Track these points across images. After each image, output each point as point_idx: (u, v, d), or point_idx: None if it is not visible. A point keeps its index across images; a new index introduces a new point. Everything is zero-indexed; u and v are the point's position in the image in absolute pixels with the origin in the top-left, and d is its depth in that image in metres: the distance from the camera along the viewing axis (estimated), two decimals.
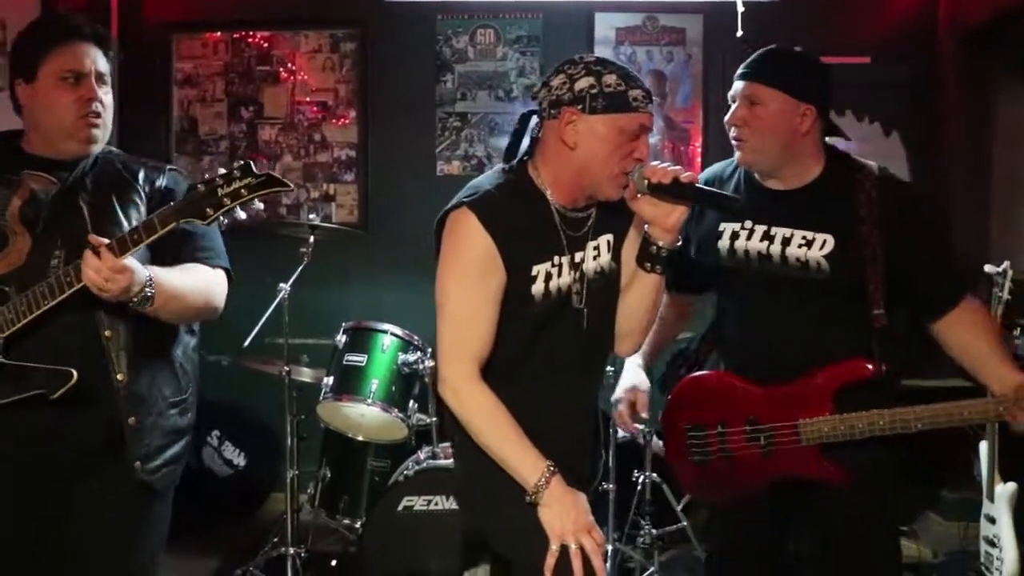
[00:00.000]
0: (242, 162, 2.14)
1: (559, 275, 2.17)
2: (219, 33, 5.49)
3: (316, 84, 5.49)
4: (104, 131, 2.36)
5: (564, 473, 2.10)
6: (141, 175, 2.41)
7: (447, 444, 3.94)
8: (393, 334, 4.12)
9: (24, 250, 2.26)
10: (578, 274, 2.20)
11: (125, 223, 2.29)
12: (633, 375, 2.72)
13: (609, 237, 2.27)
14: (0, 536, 2.30)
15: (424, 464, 3.88)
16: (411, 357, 4.05)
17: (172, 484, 2.47)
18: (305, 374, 4.33)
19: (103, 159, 2.40)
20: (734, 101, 2.46)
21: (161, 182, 2.44)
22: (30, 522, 2.30)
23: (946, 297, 2.42)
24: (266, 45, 5.49)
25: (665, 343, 2.80)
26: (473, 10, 5.39)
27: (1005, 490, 3.48)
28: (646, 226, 2.14)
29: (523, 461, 2.08)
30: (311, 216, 4.60)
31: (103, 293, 2.11)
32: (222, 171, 2.14)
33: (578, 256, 2.20)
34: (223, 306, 2.49)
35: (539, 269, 2.15)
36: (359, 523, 4.13)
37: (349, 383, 4.03)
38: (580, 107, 2.07)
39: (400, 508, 3.75)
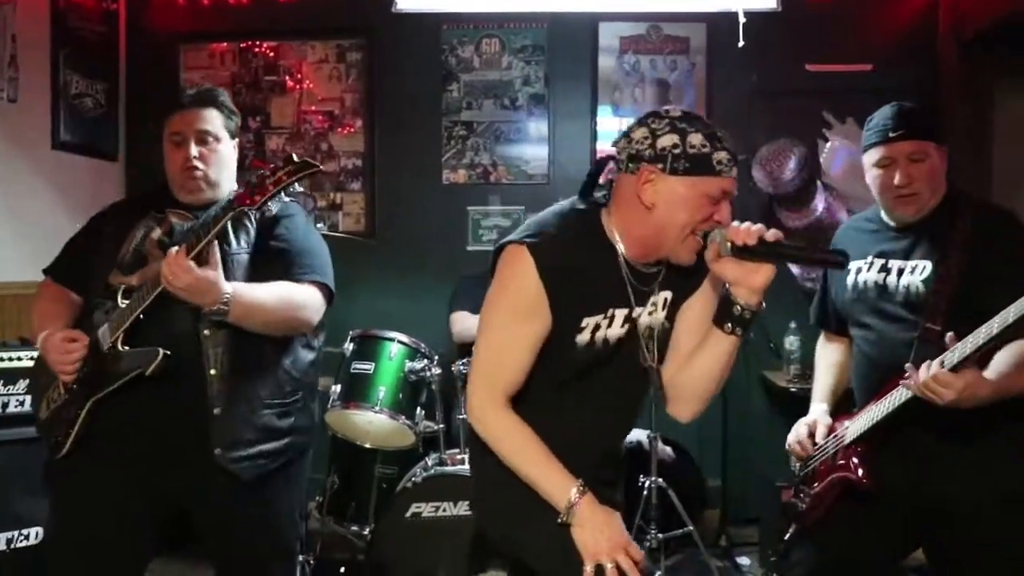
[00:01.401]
0: (290, 155, 2.39)
1: (609, 326, 2.09)
2: (226, 44, 5.49)
3: (323, 94, 5.49)
4: (209, 181, 2.66)
5: None
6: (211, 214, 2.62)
7: (455, 451, 3.96)
8: (400, 342, 4.09)
9: (157, 270, 2.47)
10: (629, 327, 2.10)
11: (235, 243, 2.58)
12: (817, 410, 2.77)
13: (668, 295, 2.15)
14: (116, 508, 2.53)
15: (432, 471, 3.85)
16: (418, 365, 4.02)
17: (275, 478, 2.65)
18: None
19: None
20: (883, 164, 2.53)
21: (272, 211, 2.67)
22: (139, 496, 2.56)
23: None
24: (273, 55, 5.49)
25: (843, 386, 2.82)
26: (478, 20, 5.37)
27: None
28: (728, 286, 2.03)
29: (553, 481, 2.02)
30: (318, 225, 4.56)
31: (172, 288, 2.36)
32: (272, 166, 2.39)
33: (637, 311, 2.10)
34: (317, 319, 2.71)
35: (589, 321, 2.07)
36: (367, 530, 4.11)
37: (356, 391, 4.00)
38: (661, 166, 1.96)
39: (408, 514, 3.73)
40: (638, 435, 4.59)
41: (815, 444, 2.67)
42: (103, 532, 2.52)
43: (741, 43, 4.37)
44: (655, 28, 5.34)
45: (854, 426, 2.56)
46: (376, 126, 5.46)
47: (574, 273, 2.03)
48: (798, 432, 2.72)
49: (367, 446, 4.18)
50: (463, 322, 4.55)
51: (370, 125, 5.45)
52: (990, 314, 2.15)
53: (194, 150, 2.62)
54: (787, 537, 2.77)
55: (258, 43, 5.47)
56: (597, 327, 2.07)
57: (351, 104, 5.47)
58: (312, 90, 5.48)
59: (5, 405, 3.50)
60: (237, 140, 2.76)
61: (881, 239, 2.61)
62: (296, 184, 2.38)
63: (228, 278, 2.46)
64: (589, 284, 2.05)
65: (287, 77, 5.47)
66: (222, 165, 2.69)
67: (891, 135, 2.50)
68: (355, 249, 4.89)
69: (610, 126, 5.40)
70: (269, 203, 2.41)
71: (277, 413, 2.64)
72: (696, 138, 1.95)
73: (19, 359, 3.51)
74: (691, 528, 4.45)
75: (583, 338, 2.06)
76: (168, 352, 2.46)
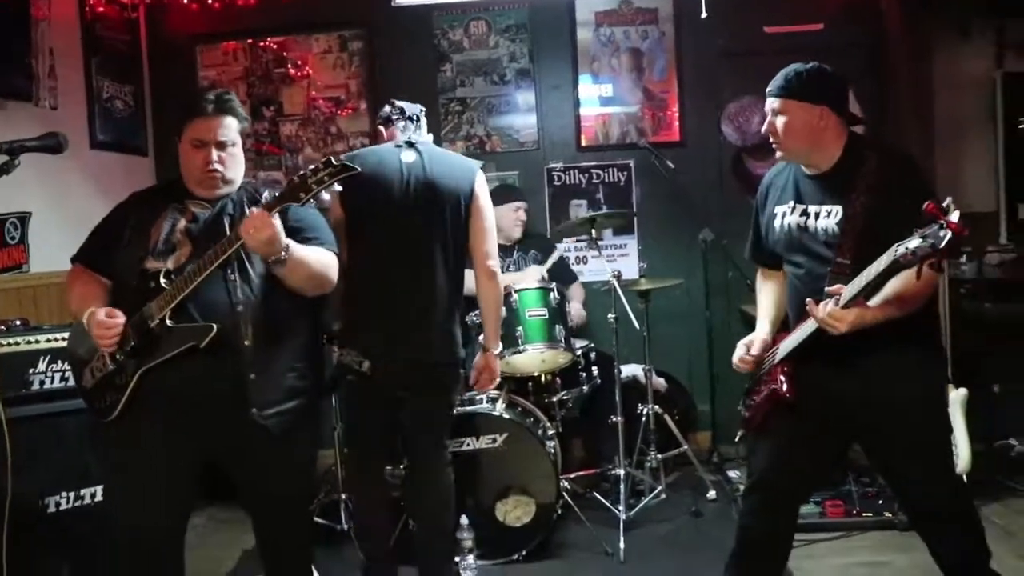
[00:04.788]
0: (327, 155, 2.62)
1: None
2: (237, 41, 5.74)
3: (328, 81, 5.76)
4: (226, 180, 2.86)
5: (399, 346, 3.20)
6: (264, 197, 2.79)
7: (473, 393, 4.09)
8: None
9: (186, 254, 2.76)
10: None
11: None
12: (760, 329, 2.97)
13: None
14: (164, 463, 2.74)
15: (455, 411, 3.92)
16: None
17: (296, 430, 2.85)
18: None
19: (243, 190, 2.91)
20: (768, 115, 2.76)
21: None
22: (183, 452, 2.77)
23: None
24: (281, 49, 5.74)
25: (783, 310, 3.00)
26: (466, 5, 5.62)
27: (958, 395, 3.66)
28: None
29: None
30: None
31: (252, 239, 2.58)
32: (312, 166, 2.58)
33: None
34: (336, 280, 2.95)
35: None
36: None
37: None
38: None
39: None
40: (634, 369, 4.90)
41: (753, 357, 2.91)
42: (153, 486, 2.72)
43: (704, 15, 4.58)
44: (626, 2, 5.60)
45: (782, 346, 2.80)
46: (380, 107, 5.53)
47: None
48: (738, 352, 2.95)
49: None
50: (468, 279, 4.68)
51: (373, 107, 5.61)
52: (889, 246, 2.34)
53: (215, 155, 2.79)
54: (736, 439, 3.06)
55: (267, 39, 5.73)
56: None
57: (355, 89, 5.72)
58: (318, 79, 5.76)
59: (65, 380, 3.61)
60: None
61: (799, 185, 2.80)
62: (336, 184, 2.58)
63: (251, 263, 2.75)
64: None
65: (295, 69, 5.75)
66: (237, 165, 2.88)
67: (768, 91, 2.75)
68: None
69: (591, 92, 5.70)
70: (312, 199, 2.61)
71: (298, 376, 2.86)
72: None
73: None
74: (686, 448, 4.78)
75: None
76: (220, 326, 2.64)
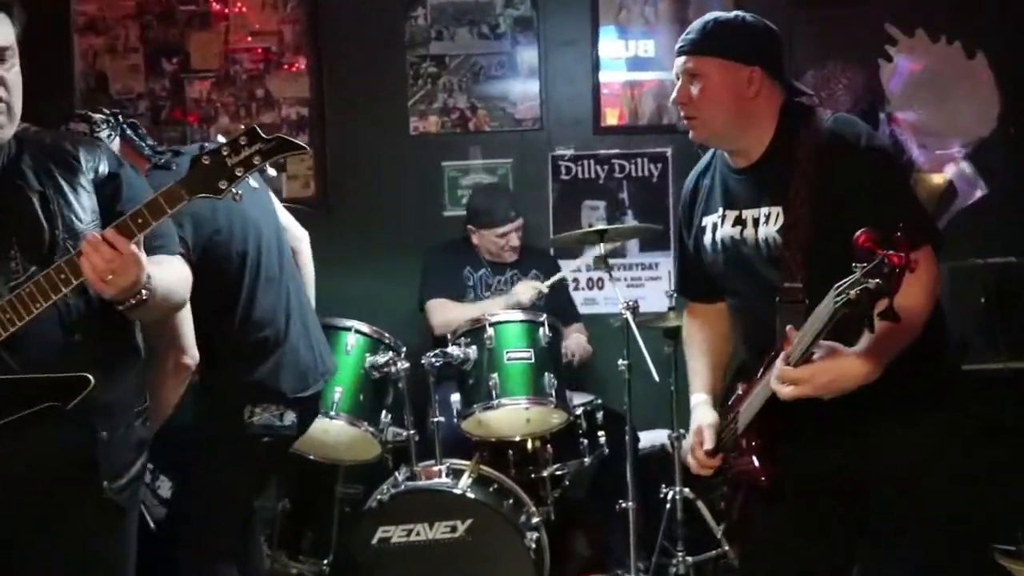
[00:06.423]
0: (248, 126, 2.38)
1: None
2: None
3: (255, 25, 5.57)
4: (12, 115, 2.46)
5: None
6: (83, 156, 2.57)
7: (429, 462, 4.16)
8: (359, 332, 4.18)
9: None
10: None
11: (81, 212, 2.49)
12: (698, 413, 2.89)
13: None
14: None
15: (402, 487, 4.01)
16: (381, 359, 4.11)
17: (136, 504, 2.70)
18: None
19: (27, 140, 2.54)
20: (678, 79, 2.71)
21: (103, 167, 2.60)
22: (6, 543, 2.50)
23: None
24: None
25: (723, 361, 2.96)
26: None
27: None
28: None
29: None
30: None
31: (106, 289, 2.30)
32: (221, 138, 2.43)
33: None
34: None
35: None
36: (326, 562, 4.33)
37: None
38: None
39: (375, 541, 3.89)
40: (661, 436, 4.78)
41: (709, 450, 2.79)
42: None
43: None
44: None
45: (743, 411, 2.68)
46: (324, 65, 5.54)
47: None
48: (693, 453, 2.84)
49: (323, 461, 4.29)
50: (444, 312, 4.82)
51: (317, 65, 5.52)
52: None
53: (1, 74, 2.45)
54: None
55: None
56: None
57: (292, 38, 5.54)
58: (242, 21, 5.55)
59: None
60: None
61: (728, 185, 2.74)
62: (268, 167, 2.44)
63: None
64: None
65: (210, 6, 5.55)
66: (20, 89, 2.49)
67: (677, 47, 2.68)
68: (302, 220, 4.86)
69: (615, 52, 5.49)
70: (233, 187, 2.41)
71: (142, 421, 2.68)
72: None
73: None
74: (726, 549, 4.49)
75: None
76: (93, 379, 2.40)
